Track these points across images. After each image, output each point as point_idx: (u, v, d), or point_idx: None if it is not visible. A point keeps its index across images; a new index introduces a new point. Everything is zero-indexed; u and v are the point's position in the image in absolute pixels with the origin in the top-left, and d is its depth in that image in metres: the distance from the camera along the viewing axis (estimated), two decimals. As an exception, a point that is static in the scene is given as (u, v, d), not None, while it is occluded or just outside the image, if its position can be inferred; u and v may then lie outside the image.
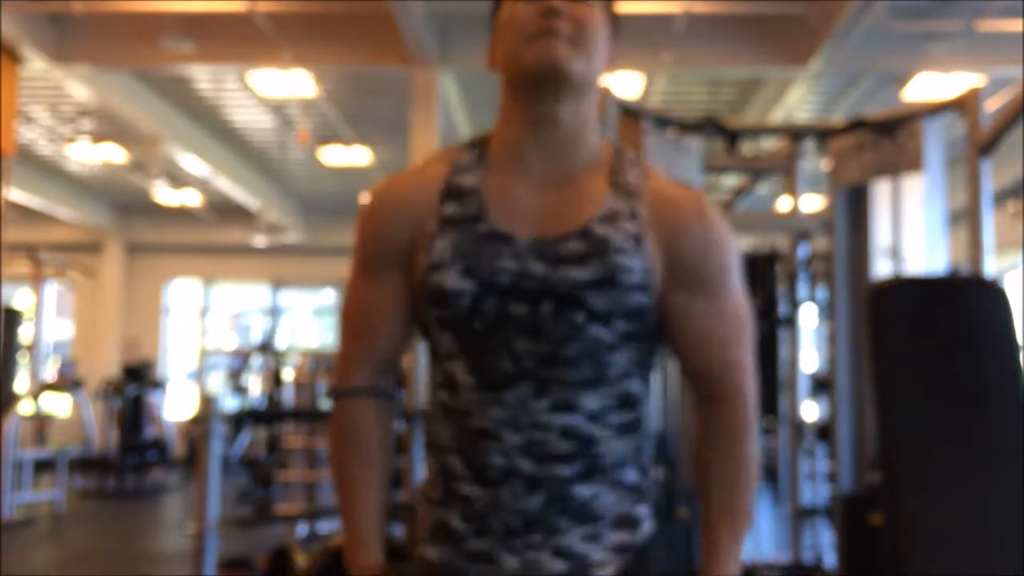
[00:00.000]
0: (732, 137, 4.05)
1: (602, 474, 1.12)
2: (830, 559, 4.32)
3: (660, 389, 3.72)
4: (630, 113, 3.79)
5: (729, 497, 1.14)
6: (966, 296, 2.33)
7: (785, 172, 4.81)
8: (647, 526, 1.16)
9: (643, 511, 1.16)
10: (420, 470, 4.80)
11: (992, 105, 3.46)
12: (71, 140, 9.23)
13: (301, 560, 4.24)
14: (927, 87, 6.82)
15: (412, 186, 1.19)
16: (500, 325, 1.10)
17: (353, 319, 1.21)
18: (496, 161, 1.17)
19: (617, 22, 1.21)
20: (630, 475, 1.15)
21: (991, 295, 2.29)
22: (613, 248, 1.10)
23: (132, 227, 12.88)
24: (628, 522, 1.14)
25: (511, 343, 1.10)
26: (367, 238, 1.20)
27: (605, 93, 3.65)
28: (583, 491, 1.11)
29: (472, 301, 1.10)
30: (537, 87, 1.12)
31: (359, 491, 1.18)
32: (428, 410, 1.19)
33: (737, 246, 1.20)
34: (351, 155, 9.54)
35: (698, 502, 1.17)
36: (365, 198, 1.23)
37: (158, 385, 10.96)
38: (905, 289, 2.42)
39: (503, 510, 1.11)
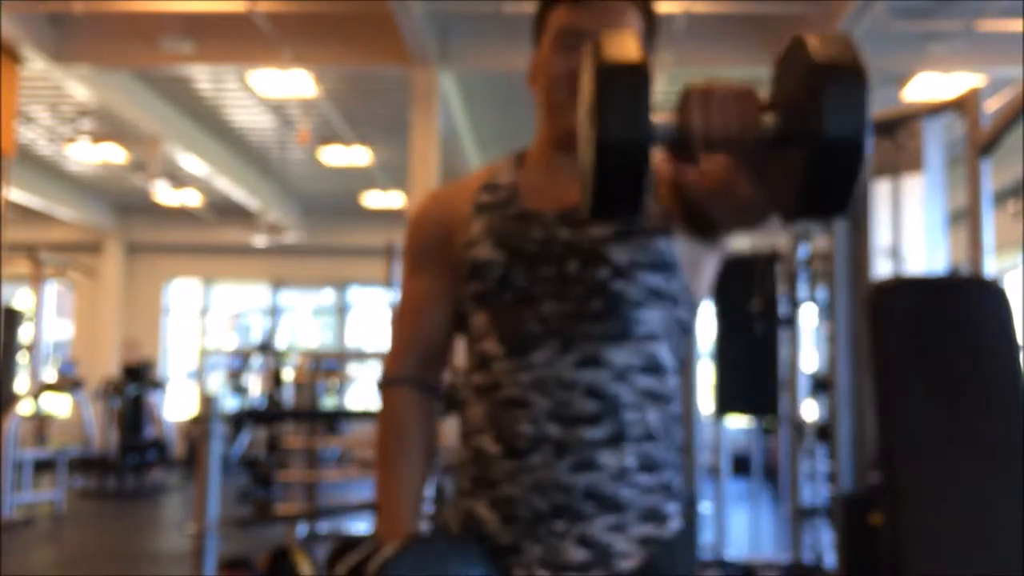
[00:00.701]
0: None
1: (629, 444, 1.14)
2: (830, 559, 4.32)
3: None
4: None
5: None
6: (966, 296, 2.33)
7: (785, 172, 4.80)
8: (675, 523, 1.17)
9: (672, 508, 1.18)
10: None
11: (992, 105, 3.45)
12: (71, 140, 9.23)
13: (301, 560, 4.24)
14: (927, 87, 6.82)
15: (456, 190, 1.31)
16: (529, 290, 1.17)
17: (403, 313, 1.30)
18: (531, 165, 1.28)
19: (655, 29, 1.25)
20: (658, 452, 1.16)
21: (991, 295, 2.29)
22: None
23: (132, 227, 12.88)
24: (656, 516, 1.16)
25: (539, 306, 1.16)
26: (412, 239, 1.30)
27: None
28: (609, 458, 1.13)
29: (503, 270, 1.18)
30: (567, 142, 1.17)
31: (397, 476, 1.22)
32: (465, 401, 1.23)
33: None
34: (351, 155, 9.54)
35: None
36: (416, 205, 1.34)
37: (158, 385, 10.96)
38: (905, 289, 2.42)
39: (531, 483, 1.12)
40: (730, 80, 0.96)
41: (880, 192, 3.88)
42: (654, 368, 1.17)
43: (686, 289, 1.21)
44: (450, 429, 3.56)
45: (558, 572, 1.12)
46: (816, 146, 0.88)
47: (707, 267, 1.24)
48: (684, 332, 1.22)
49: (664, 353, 1.18)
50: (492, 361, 1.18)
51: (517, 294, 1.17)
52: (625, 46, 0.93)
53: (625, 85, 0.90)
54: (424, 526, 1.25)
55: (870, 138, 0.88)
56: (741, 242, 4.75)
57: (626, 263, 1.15)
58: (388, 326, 1.22)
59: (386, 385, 1.27)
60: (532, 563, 1.12)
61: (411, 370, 1.26)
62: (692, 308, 1.23)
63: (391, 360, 1.28)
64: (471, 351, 1.23)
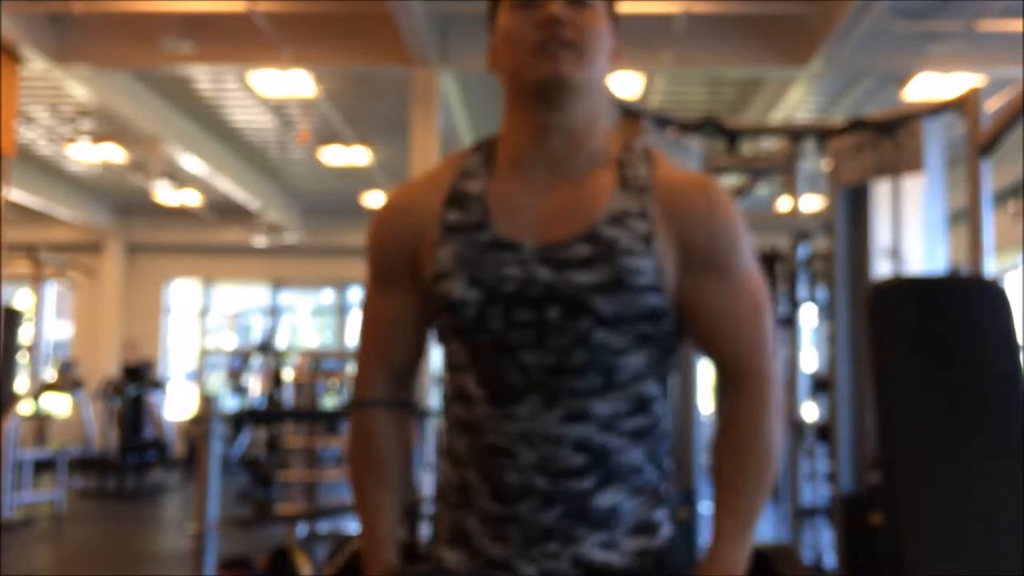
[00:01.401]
0: (732, 137, 4.04)
1: (619, 482, 1.11)
2: (830, 559, 4.32)
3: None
4: (630, 113, 3.79)
5: (736, 488, 1.12)
6: (966, 296, 2.33)
7: (785, 172, 4.81)
8: (665, 530, 1.16)
9: (660, 515, 1.15)
10: (420, 470, 4.80)
11: (992, 105, 3.45)
12: (71, 140, 9.23)
13: (301, 560, 4.24)
14: (927, 87, 6.82)
15: (418, 194, 1.20)
16: (506, 334, 1.09)
17: (369, 330, 1.23)
18: (502, 166, 1.17)
19: (617, 20, 1.20)
20: (647, 475, 1.14)
21: (991, 295, 2.29)
22: (621, 250, 1.08)
23: (132, 227, 12.88)
24: (646, 528, 1.14)
25: (518, 355, 1.09)
26: (376, 249, 1.22)
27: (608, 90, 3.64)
28: (601, 501, 1.11)
29: (478, 310, 1.10)
30: (542, 98, 1.12)
31: (374, 499, 1.20)
32: (447, 421, 1.20)
33: (747, 228, 1.17)
34: (351, 155, 9.54)
35: (711, 495, 1.16)
36: (376, 210, 1.25)
37: (158, 385, 10.95)
38: (905, 289, 2.42)
39: (521, 522, 1.11)
40: None
41: (880, 192, 3.88)
42: (641, 408, 1.13)
43: (674, 322, 1.14)
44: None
45: None
46: None
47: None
48: (669, 352, 1.17)
49: (650, 387, 1.14)
50: (473, 402, 1.13)
51: (493, 337, 1.10)
52: None
53: None
54: (425, 530, 1.25)
55: None
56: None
57: (611, 314, 1.08)
58: (356, 342, 1.18)
59: (358, 407, 1.22)
60: None
61: (383, 390, 1.22)
62: (674, 322, 1.15)
63: (361, 381, 1.23)
64: (450, 373, 1.18)
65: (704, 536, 4.98)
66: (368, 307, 1.23)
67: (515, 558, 1.11)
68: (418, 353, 1.23)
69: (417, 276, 1.16)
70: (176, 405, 12.43)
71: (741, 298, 1.14)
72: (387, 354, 1.21)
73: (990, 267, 3.35)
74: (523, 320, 1.09)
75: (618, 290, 1.07)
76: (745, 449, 1.13)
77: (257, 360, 11.49)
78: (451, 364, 1.17)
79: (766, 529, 6.20)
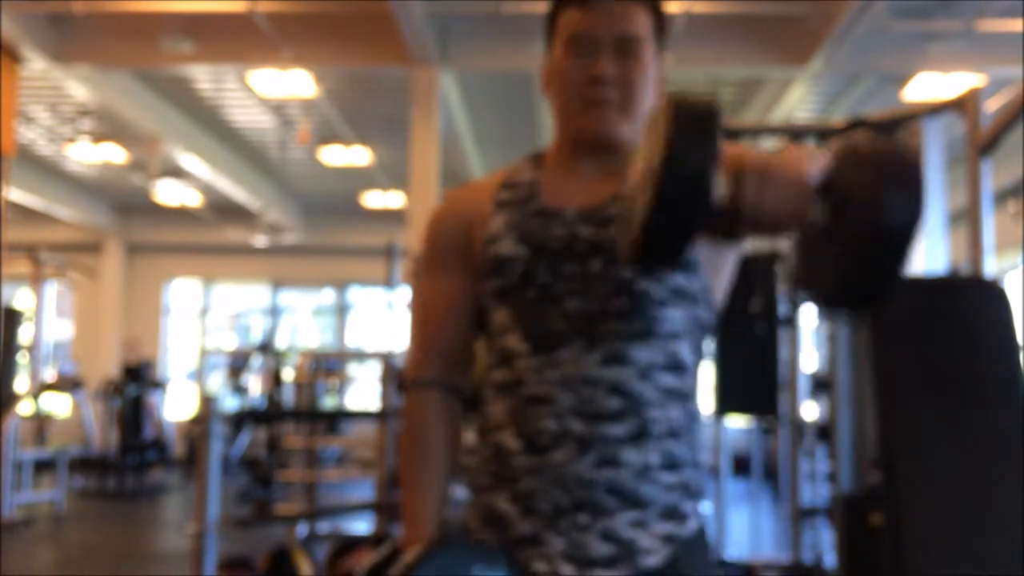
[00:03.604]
0: (732, 137, 4.04)
1: (652, 441, 1.14)
2: (830, 559, 4.32)
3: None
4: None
5: None
6: (966, 296, 2.33)
7: (785, 172, 4.80)
8: (694, 522, 1.18)
9: (691, 507, 1.18)
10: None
11: (992, 105, 3.45)
12: (71, 140, 9.23)
13: (301, 560, 4.24)
14: (927, 87, 6.82)
15: (473, 190, 1.31)
16: (552, 287, 1.16)
17: (424, 314, 1.29)
18: (551, 166, 1.28)
19: (665, 28, 1.25)
20: (679, 450, 1.17)
21: (991, 295, 2.29)
22: None
23: (132, 227, 12.88)
24: (675, 515, 1.16)
25: (563, 303, 1.16)
26: (433, 238, 1.29)
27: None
28: (632, 456, 1.13)
29: (526, 265, 1.18)
30: (589, 149, 1.24)
31: (420, 480, 1.23)
32: (484, 396, 1.23)
33: None
34: (351, 155, 9.54)
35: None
36: (436, 206, 1.33)
37: (158, 385, 10.96)
38: (905, 289, 2.42)
39: (552, 478, 1.12)
40: (787, 156, 0.95)
41: (880, 192, 3.88)
42: (676, 366, 1.17)
43: (706, 289, 1.21)
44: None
45: (583, 567, 1.11)
46: (871, 239, 0.91)
47: (726, 266, 1.25)
48: (703, 331, 1.23)
49: (685, 351, 1.19)
50: (515, 358, 1.17)
51: (540, 290, 1.17)
52: (701, 98, 0.95)
53: (700, 126, 0.91)
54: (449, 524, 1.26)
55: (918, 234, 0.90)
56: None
57: None
58: (409, 325, 1.20)
59: (412, 388, 1.26)
60: (555, 556, 1.12)
61: (437, 372, 1.25)
62: (711, 308, 1.23)
63: (416, 361, 1.27)
64: (491, 347, 1.22)
65: (707, 536, 4.97)
66: (422, 293, 1.29)
67: (544, 531, 1.13)
68: (469, 337, 1.27)
69: (470, 258, 1.24)
70: (176, 405, 12.44)
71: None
72: (440, 337, 1.26)
73: (990, 267, 3.35)
74: (568, 272, 1.16)
75: None
76: None
77: (257, 360, 11.49)
78: (494, 332, 1.22)
79: (766, 529, 6.21)
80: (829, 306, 1.04)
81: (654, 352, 1.15)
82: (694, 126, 0.92)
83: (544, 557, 1.12)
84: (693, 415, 1.20)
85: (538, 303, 1.17)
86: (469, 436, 1.27)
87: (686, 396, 1.19)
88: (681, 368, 1.18)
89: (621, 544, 1.12)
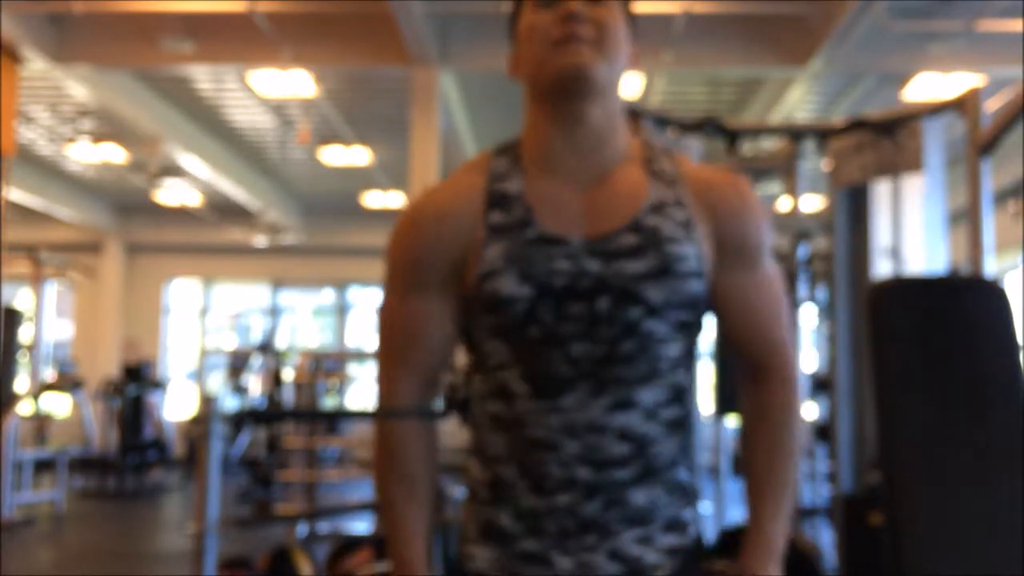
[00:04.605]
0: (732, 137, 4.04)
1: (656, 475, 1.13)
2: (830, 559, 4.32)
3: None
4: (630, 113, 3.77)
5: (773, 472, 1.17)
6: (966, 296, 2.33)
7: (785, 172, 4.80)
8: (694, 529, 1.17)
9: (689, 514, 1.17)
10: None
11: (992, 105, 3.45)
12: (71, 140, 9.23)
13: (301, 560, 4.23)
14: (927, 87, 6.82)
15: (449, 199, 1.17)
16: (556, 328, 1.10)
17: (395, 338, 1.18)
18: (531, 166, 1.17)
19: (634, 21, 1.23)
20: (681, 474, 1.16)
21: (991, 295, 2.29)
22: (666, 238, 1.11)
23: (132, 227, 12.88)
24: (677, 525, 1.15)
25: (567, 347, 1.10)
26: (407, 257, 1.17)
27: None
28: (639, 495, 1.12)
29: (529, 305, 1.09)
30: (564, 91, 1.13)
31: (402, 512, 1.17)
32: (478, 420, 1.18)
33: (769, 224, 1.21)
34: (351, 155, 9.54)
35: (744, 476, 1.21)
36: (402, 216, 1.20)
37: (158, 385, 10.95)
38: (905, 289, 2.42)
39: (559, 514, 1.11)
40: None
41: (880, 192, 3.88)
42: (677, 398, 1.15)
43: (704, 312, 1.18)
44: (450, 428, 3.55)
45: None
46: None
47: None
48: (695, 344, 1.20)
49: (683, 376, 1.16)
50: (515, 398, 1.12)
51: (543, 331, 1.09)
52: None
53: None
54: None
55: None
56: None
57: (660, 303, 1.10)
58: (376, 348, 1.13)
59: (386, 417, 1.18)
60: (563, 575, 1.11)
61: (412, 398, 1.18)
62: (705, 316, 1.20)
63: (388, 389, 1.18)
64: (486, 373, 1.16)
65: (706, 535, 4.97)
66: (391, 314, 1.19)
67: (551, 550, 1.11)
68: (446, 359, 1.19)
69: (454, 281, 1.14)
70: (176, 405, 12.44)
71: (770, 291, 1.19)
72: (415, 361, 1.18)
73: (990, 267, 3.35)
74: (574, 313, 1.09)
75: (666, 277, 1.10)
76: (782, 435, 1.18)
77: (257, 360, 11.48)
78: (488, 364, 1.15)
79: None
80: None
81: (658, 391, 1.12)
82: None
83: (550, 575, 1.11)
84: (689, 431, 1.19)
85: (541, 345, 1.10)
86: (460, 436, 1.24)
87: (686, 418, 1.17)
88: (682, 396, 1.16)
89: (628, 562, 1.11)
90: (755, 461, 1.19)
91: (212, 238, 12.63)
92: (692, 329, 1.16)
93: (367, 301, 13.50)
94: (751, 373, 1.20)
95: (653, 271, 1.10)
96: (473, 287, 1.12)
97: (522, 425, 1.12)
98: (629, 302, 1.09)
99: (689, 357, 1.17)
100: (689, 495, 1.18)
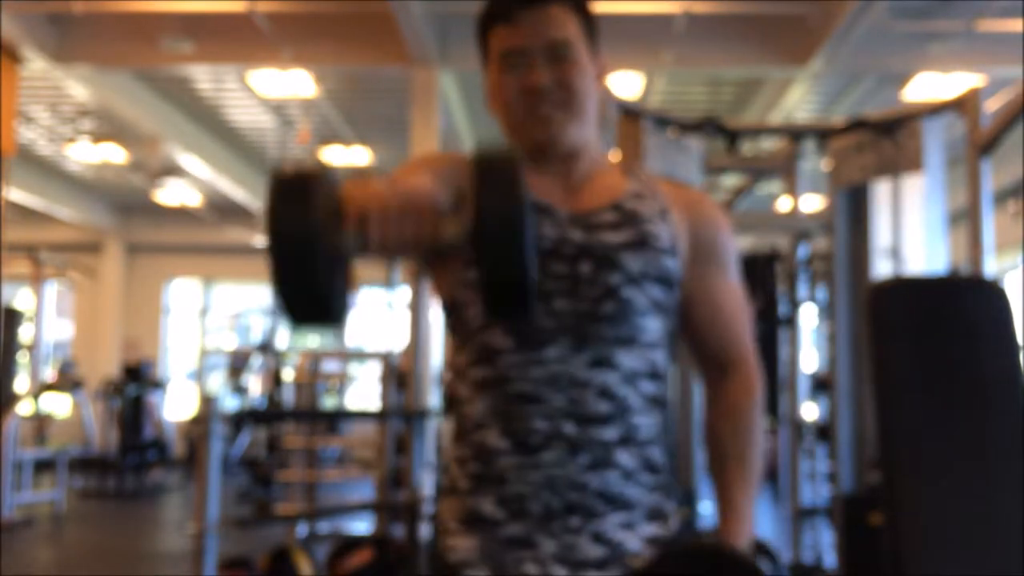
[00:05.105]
0: (732, 137, 4.04)
1: (638, 447, 1.16)
2: (830, 559, 4.32)
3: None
4: (630, 113, 3.79)
5: (743, 463, 1.22)
6: (966, 296, 2.33)
7: (785, 172, 4.80)
8: (674, 522, 1.20)
9: (670, 507, 1.20)
10: (420, 470, 4.80)
11: (992, 105, 3.46)
12: (71, 140, 9.23)
13: (301, 560, 4.24)
14: (927, 87, 6.82)
15: (450, 157, 1.23)
16: (540, 285, 1.13)
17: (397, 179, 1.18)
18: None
19: (594, 26, 1.24)
20: (657, 455, 1.19)
21: (991, 295, 2.29)
22: (643, 218, 1.20)
23: (132, 227, 12.88)
24: (659, 515, 1.18)
25: (550, 301, 1.15)
26: (427, 162, 1.22)
27: (605, 94, 3.64)
28: (624, 458, 1.14)
29: None
30: (539, 155, 1.21)
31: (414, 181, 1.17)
32: (458, 396, 1.21)
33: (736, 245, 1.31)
34: (351, 155, 9.55)
35: (710, 470, 1.25)
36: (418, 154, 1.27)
37: (158, 385, 10.95)
38: (905, 289, 2.42)
39: (543, 480, 1.12)
40: (413, 201, 1.00)
41: (880, 192, 3.88)
42: (655, 374, 1.19)
43: (678, 304, 1.24)
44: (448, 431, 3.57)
45: (576, 569, 1.11)
46: (480, 241, 0.94)
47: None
48: (673, 342, 1.26)
49: (662, 360, 1.21)
50: (499, 354, 1.16)
51: None
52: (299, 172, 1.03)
53: (295, 193, 0.99)
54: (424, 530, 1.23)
55: (530, 233, 0.93)
56: (741, 242, 4.75)
57: (637, 272, 1.17)
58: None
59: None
60: (547, 559, 1.11)
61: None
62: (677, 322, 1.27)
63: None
64: (470, 344, 1.19)
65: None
66: (401, 175, 1.18)
67: (535, 533, 1.12)
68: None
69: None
70: (176, 405, 12.43)
71: (737, 297, 1.28)
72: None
73: (990, 267, 3.35)
74: (558, 272, 1.16)
75: (642, 249, 1.18)
76: (748, 426, 1.24)
77: (257, 360, 11.49)
78: (470, 328, 1.19)
79: (766, 528, 6.20)
80: (491, 316, 1.08)
81: (637, 359, 1.16)
82: (292, 195, 0.99)
83: (536, 560, 1.12)
84: (665, 418, 1.22)
85: None
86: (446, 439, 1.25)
87: (663, 404, 1.21)
88: (659, 376, 1.20)
89: (611, 546, 1.13)
90: (725, 446, 1.24)
91: (212, 238, 12.63)
92: (667, 314, 1.21)
93: (367, 301, 13.50)
94: (717, 368, 1.27)
95: (631, 242, 1.18)
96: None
97: (506, 381, 1.15)
98: (609, 267, 1.16)
99: (667, 347, 1.22)
100: (668, 487, 1.20)
